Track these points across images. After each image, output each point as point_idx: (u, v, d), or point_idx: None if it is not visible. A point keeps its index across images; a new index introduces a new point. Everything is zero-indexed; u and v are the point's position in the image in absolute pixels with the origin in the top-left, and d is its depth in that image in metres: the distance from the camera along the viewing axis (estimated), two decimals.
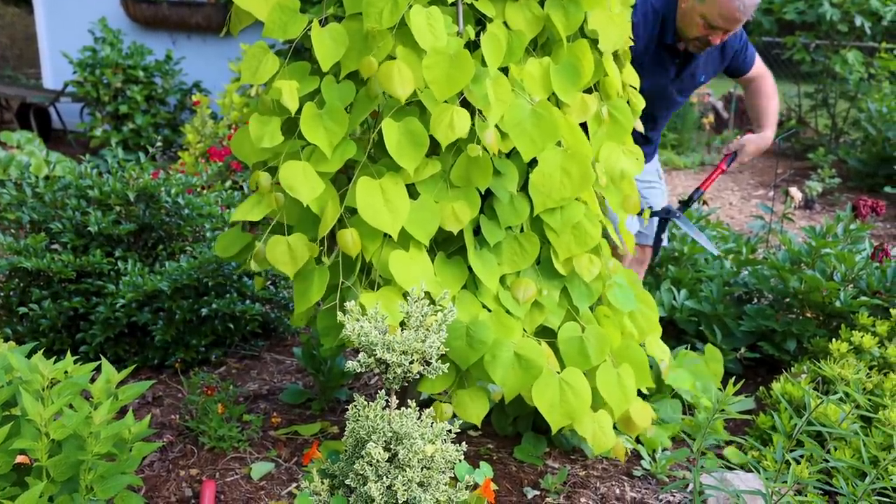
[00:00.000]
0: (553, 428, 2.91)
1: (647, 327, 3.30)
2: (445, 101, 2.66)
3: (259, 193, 2.83)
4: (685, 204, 4.16)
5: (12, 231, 4.20)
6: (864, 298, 3.91)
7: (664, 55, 3.71)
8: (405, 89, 2.62)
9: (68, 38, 9.55)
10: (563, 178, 2.82)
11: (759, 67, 4.02)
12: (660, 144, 4.47)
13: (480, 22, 2.81)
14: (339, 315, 2.29)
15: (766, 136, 4.05)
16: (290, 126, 2.79)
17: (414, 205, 2.73)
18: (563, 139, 2.84)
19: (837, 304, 3.93)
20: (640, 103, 3.25)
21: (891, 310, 3.70)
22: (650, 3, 3.65)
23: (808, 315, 4.14)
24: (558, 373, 2.90)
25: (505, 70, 2.79)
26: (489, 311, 2.89)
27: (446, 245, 2.94)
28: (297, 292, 2.84)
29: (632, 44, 3.25)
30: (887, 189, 7.88)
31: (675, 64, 3.76)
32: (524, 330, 2.95)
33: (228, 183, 6.05)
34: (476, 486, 2.35)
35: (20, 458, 2.26)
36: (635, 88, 3.27)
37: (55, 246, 4.15)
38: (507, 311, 2.92)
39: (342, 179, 2.89)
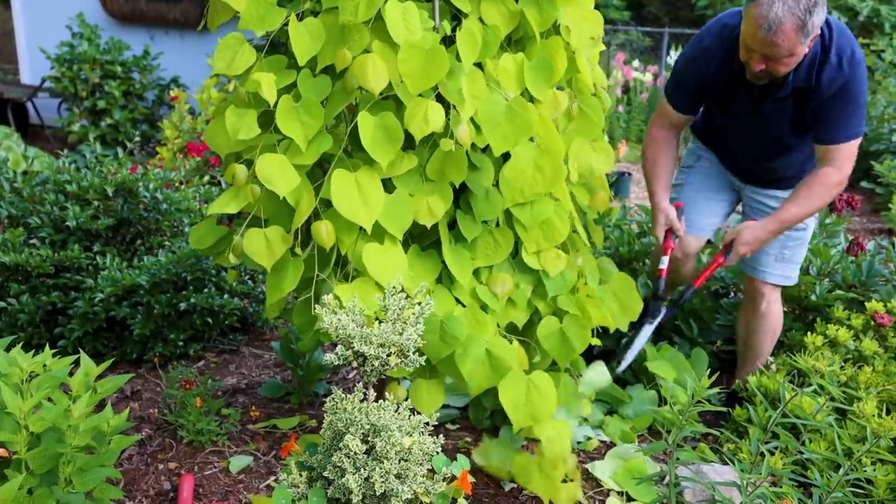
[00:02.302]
0: (515, 427, 2.92)
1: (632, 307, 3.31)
2: (420, 96, 2.67)
3: (235, 186, 2.83)
4: (674, 303, 3.55)
5: None
6: (839, 292, 3.94)
7: (735, 82, 3.25)
8: (379, 82, 2.63)
9: (46, 34, 9.49)
10: (536, 174, 2.83)
11: (832, 154, 3.19)
12: None
13: (457, 17, 2.83)
14: (316, 307, 2.30)
15: (767, 229, 3.30)
16: (267, 119, 2.79)
17: (389, 198, 2.74)
18: (537, 135, 2.85)
19: (813, 297, 3.96)
20: (607, 103, 3.25)
21: (866, 303, 3.73)
22: (728, 24, 3.24)
23: (785, 309, 4.17)
24: (527, 373, 2.92)
25: (479, 65, 2.81)
26: (463, 305, 2.91)
27: (421, 239, 2.95)
28: (270, 283, 2.84)
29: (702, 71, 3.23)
30: (864, 184, 7.94)
31: (751, 95, 3.24)
32: (497, 325, 2.97)
33: (206, 178, 6.04)
34: (453, 478, 2.36)
35: None
36: (605, 89, 3.29)
37: (33, 241, 4.14)
38: (482, 307, 2.93)
39: (318, 172, 2.90)
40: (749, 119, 3.35)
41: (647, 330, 3.55)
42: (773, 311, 3.68)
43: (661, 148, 3.53)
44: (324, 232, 2.70)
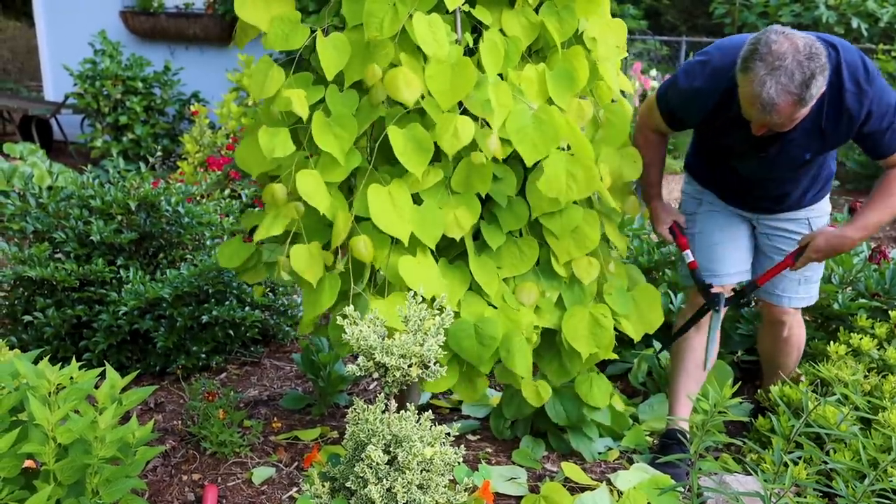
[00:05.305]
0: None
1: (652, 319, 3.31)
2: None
3: (275, 206, 2.84)
4: (737, 297, 3.34)
5: (17, 241, 4.23)
6: (862, 301, 3.91)
7: (735, 125, 2.95)
8: (413, 94, 2.66)
9: (69, 51, 9.59)
10: (570, 182, 2.84)
11: None
12: None
13: (476, 29, 2.85)
14: (339, 319, 2.32)
15: (846, 235, 3.05)
16: (294, 137, 2.83)
17: (420, 210, 2.77)
18: (568, 142, 2.86)
19: (836, 306, 3.93)
20: (629, 109, 3.22)
21: (889, 312, 3.71)
22: (717, 68, 2.95)
23: (807, 318, 4.15)
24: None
25: (500, 77, 2.83)
26: (494, 307, 2.93)
27: (447, 251, 2.97)
28: (307, 300, 2.86)
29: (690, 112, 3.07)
30: None
31: (749, 140, 2.96)
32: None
33: (227, 192, 6.08)
34: (475, 488, 2.37)
35: (28, 463, 2.28)
36: (626, 95, 3.30)
37: (58, 255, 4.18)
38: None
39: (343, 187, 2.92)
40: (757, 157, 3.09)
41: (716, 319, 3.31)
42: (796, 334, 3.52)
43: (658, 150, 3.32)
44: (363, 247, 2.73)
